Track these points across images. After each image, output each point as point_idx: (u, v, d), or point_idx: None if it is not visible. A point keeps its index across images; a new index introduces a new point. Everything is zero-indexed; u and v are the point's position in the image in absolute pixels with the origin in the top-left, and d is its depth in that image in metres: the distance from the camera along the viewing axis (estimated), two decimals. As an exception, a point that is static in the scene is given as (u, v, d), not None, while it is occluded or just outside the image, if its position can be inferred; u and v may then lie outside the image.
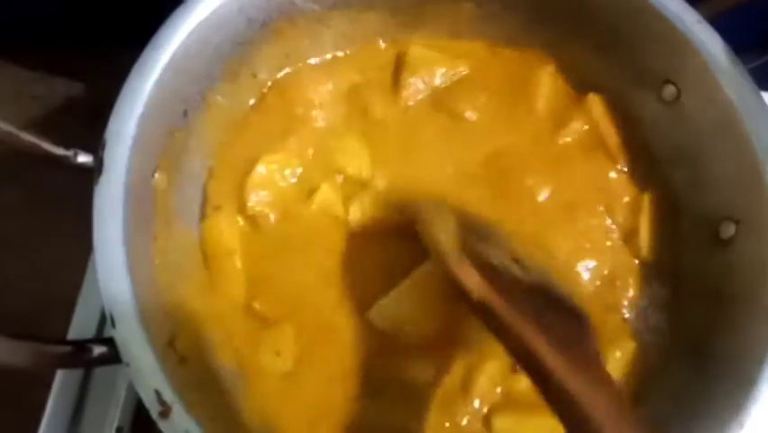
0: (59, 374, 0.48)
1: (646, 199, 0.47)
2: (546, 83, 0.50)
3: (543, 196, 0.47)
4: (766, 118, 0.41)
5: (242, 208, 0.45)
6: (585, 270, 0.45)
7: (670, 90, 0.46)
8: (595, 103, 0.49)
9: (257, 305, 0.43)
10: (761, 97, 0.42)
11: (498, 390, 0.42)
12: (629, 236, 0.46)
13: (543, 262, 0.42)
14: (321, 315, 0.43)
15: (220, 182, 0.46)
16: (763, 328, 0.37)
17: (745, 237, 0.42)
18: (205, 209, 0.46)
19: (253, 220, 0.45)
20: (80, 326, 0.49)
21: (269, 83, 0.49)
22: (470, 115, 0.49)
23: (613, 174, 0.48)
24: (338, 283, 0.44)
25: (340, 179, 0.47)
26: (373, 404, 0.41)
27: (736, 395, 0.36)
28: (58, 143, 0.38)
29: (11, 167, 0.55)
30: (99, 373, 0.49)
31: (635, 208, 0.47)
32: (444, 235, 0.38)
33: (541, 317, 0.34)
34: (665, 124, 0.47)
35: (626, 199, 0.47)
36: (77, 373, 0.48)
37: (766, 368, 0.36)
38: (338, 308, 0.43)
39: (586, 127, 0.49)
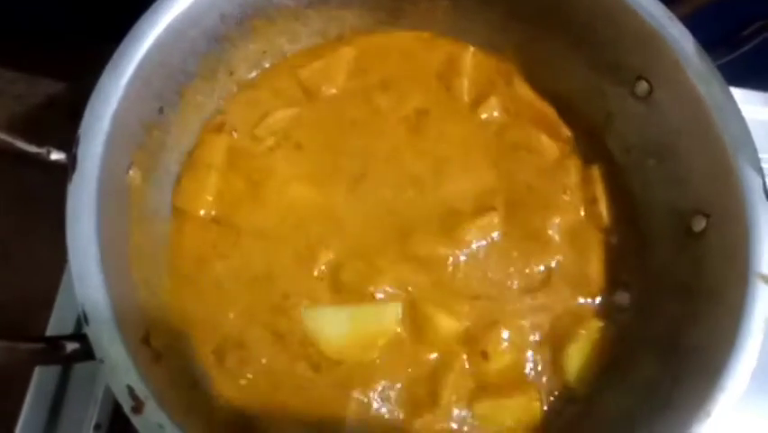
0: (37, 371, 0.48)
1: (596, 173, 0.48)
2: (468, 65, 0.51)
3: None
4: (735, 114, 0.42)
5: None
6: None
7: (642, 86, 0.47)
8: (519, 84, 0.50)
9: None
10: (730, 94, 0.43)
11: (471, 383, 0.42)
12: (590, 207, 0.48)
13: None
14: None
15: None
16: (729, 322, 0.38)
17: (715, 231, 0.42)
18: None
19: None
20: (59, 324, 0.49)
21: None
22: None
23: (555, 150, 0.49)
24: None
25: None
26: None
27: (704, 385, 0.37)
28: (39, 142, 0.38)
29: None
30: (78, 369, 0.49)
31: (587, 182, 0.48)
32: None
33: None
34: (639, 119, 0.48)
35: (576, 175, 0.48)
36: (55, 370, 0.48)
37: (733, 359, 0.37)
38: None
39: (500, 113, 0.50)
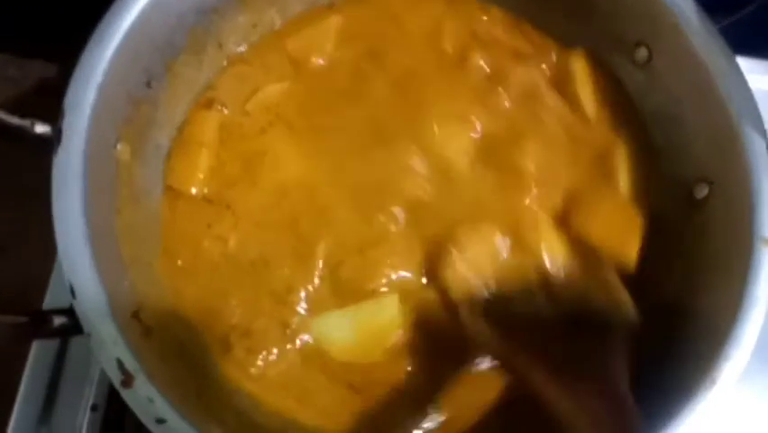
0: (33, 351, 0.47)
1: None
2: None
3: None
4: (739, 79, 0.41)
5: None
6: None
7: (642, 53, 0.46)
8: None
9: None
10: (733, 58, 0.42)
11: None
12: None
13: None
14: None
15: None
16: (734, 289, 0.37)
17: (718, 199, 0.41)
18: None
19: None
20: (56, 299, 0.49)
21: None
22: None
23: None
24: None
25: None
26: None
27: (709, 353, 0.36)
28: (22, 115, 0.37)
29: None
30: (74, 350, 0.48)
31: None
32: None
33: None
34: (640, 86, 0.47)
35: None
36: (51, 351, 0.48)
37: (738, 326, 0.36)
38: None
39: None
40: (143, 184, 0.43)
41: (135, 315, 0.36)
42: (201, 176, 0.45)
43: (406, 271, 0.42)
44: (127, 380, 0.33)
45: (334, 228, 0.43)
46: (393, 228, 0.43)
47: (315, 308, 0.41)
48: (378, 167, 0.45)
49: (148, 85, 0.42)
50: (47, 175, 0.36)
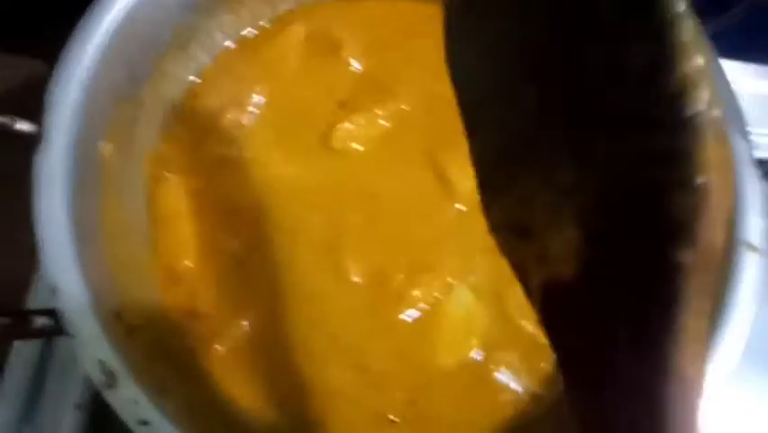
0: (15, 350, 0.47)
1: None
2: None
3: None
4: (722, 81, 0.41)
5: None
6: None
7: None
8: None
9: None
10: (715, 60, 0.42)
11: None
12: None
13: None
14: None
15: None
16: (717, 293, 0.37)
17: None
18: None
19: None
20: (38, 300, 0.48)
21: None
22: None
23: None
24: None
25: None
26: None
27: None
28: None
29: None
30: (58, 349, 0.48)
31: None
32: None
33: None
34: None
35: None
36: (34, 350, 0.47)
37: (721, 331, 0.36)
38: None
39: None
40: (127, 181, 0.42)
41: (118, 315, 0.36)
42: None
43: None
44: (110, 381, 0.32)
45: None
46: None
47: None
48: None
49: (134, 82, 0.42)
50: (30, 171, 0.36)
